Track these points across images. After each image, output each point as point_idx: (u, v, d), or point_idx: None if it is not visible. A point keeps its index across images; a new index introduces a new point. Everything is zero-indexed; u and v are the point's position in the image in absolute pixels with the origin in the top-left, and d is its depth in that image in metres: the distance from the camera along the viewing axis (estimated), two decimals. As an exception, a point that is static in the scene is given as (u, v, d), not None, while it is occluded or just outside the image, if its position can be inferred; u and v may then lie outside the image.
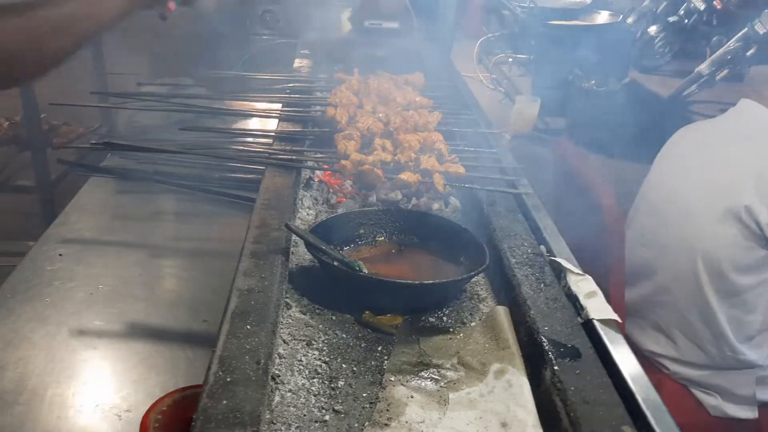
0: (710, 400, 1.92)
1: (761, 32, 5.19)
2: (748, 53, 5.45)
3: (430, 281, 1.12)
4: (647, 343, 2.01)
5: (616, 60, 5.31)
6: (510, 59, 6.39)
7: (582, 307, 1.06)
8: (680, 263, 1.90)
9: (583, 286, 1.11)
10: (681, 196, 1.94)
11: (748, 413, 1.92)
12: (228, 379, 0.83)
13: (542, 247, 1.23)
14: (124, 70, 2.24)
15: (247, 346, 0.89)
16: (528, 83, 5.91)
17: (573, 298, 1.09)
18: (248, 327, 0.93)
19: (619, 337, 1.01)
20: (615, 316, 1.04)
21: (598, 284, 1.12)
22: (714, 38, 6.51)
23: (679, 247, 1.91)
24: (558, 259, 1.18)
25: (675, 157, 2.07)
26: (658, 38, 6.84)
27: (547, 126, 5.46)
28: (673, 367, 1.95)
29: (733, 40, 5.77)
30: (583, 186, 1.92)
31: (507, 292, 1.13)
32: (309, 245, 1.15)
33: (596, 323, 1.03)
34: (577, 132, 4.94)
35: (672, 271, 1.93)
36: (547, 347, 0.95)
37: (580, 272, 1.14)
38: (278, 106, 1.82)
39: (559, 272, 1.16)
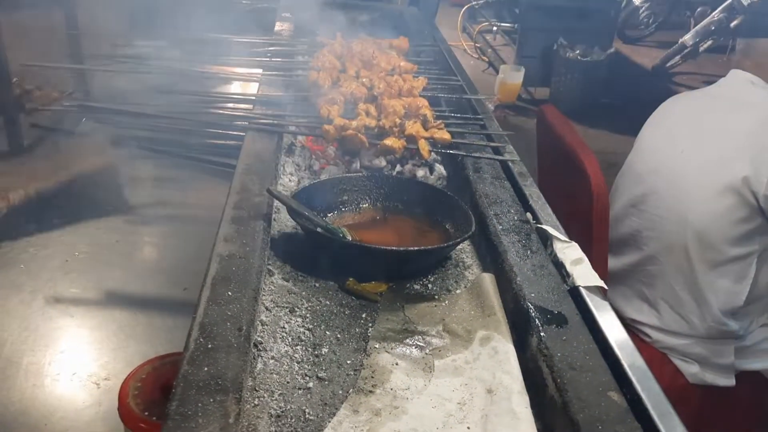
0: (689, 368, 1.94)
1: (746, 3, 5.18)
2: (732, 24, 5.46)
3: (415, 248, 1.11)
4: (630, 312, 2.03)
5: (601, 30, 5.30)
6: (494, 28, 6.36)
7: (568, 274, 1.06)
8: (670, 234, 1.90)
9: (570, 253, 1.11)
10: (671, 167, 1.93)
11: (726, 381, 1.95)
12: (209, 346, 0.81)
13: (528, 215, 1.22)
14: (98, 32, 2.17)
15: (229, 313, 0.87)
16: (512, 52, 5.89)
17: (559, 266, 1.08)
18: (229, 293, 0.91)
19: (605, 304, 1.01)
20: (601, 283, 1.03)
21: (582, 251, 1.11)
22: (698, 9, 6.52)
23: (669, 218, 1.91)
24: (544, 227, 1.17)
25: (665, 128, 2.05)
26: (643, 9, 6.84)
27: (531, 96, 5.46)
28: (655, 335, 1.97)
29: (718, 11, 5.78)
30: (568, 152, 1.90)
31: (493, 259, 1.12)
32: (291, 211, 1.13)
33: (582, 290, 1.03)
34: (560, 102, 4.94)
35: (661, 242, 1.93)
36: (533, 314, 0.94)
37: (567, 240, 1.14)
38: (258, 70, 1.77)
39: (546, 240, 1.15)
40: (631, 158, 2.11)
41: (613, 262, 2.06)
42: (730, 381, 1.96)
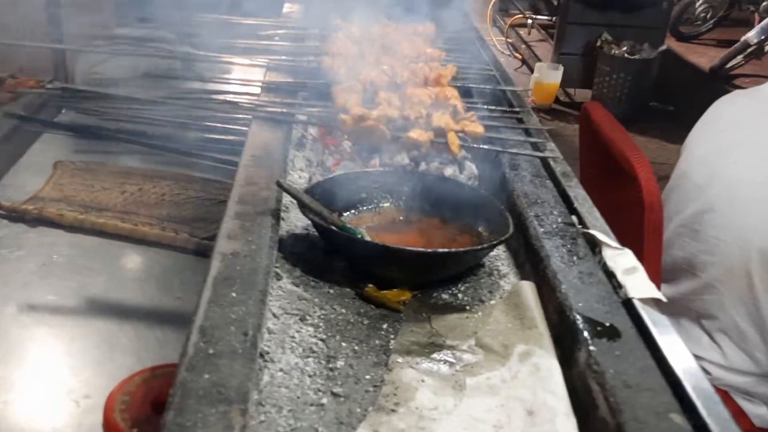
0: (756, 410, 1.92)
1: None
2: (803, 20, 5.46)
3: (444, 250, 1.11)
4: (687, 344, 2.01)
5: (652, 25, 5.32)
6: (529, 21, 6.40)
7: (620, 285, 1.06)
8: (730, 257, 1.89)
9: (622, 261, 1.10)
10: (727, 180, 1.92)
11: (798, 425, 1.93)
12: (210, 351, 0.82)
13: (573, 218, 1.22)
14: (83, 10, 2.21)
15: (233, 316, 0.88)
16: (549, 49, 5.92)
17: (610, 275, 1.08)
18: (233, 294, 0.91)
19: (663, 318, 1.00)
20: (659, 295, 1.03)
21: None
22: (763, 3, 6.54)
23: (728, 240, 1.89)
24: (592, 232, 1.17)
25: (718, 132, 2.05)
26: (700, 2, 6.87)
27: (570, 98, 5.48)
28: (716, 372, 1.95)
29: (787, 4, 5.79)
30: (616, 156, 1.91)
31: (533, 265, 1.13)
32: (303, 207, 1.14)
33: (637, 303, 1.02)
34: (604, 105, 4.95)
35: (720, 267, 1.91)
36: (581, 326, 0.94)
37: (618, 246, 1.14)
38: (265, 55, 1.80)
39: (594, 246, 1.16)
40: (680, 171, 2.10)
41: (666, 290, 2.05)
42: (803, 425, 1.94)
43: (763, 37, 5.79)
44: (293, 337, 0.98)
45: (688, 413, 0.85)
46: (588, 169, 2.34)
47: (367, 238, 1.14)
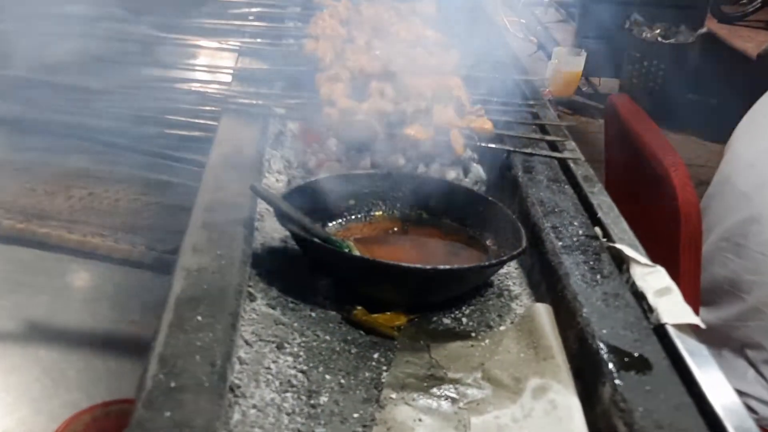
0: (809, 455, 1.94)
1: None
2: None
3: (446, 267, 1.12)
4: (729, 378, 2.02)
5: (689, 4, 5.35)
6: (546, -2, 6.43)
7: (651, 308, 1.07)
8: None
9: (653, 280, 1.12)
10: None
11: None
12: (172, 385, 0.82)
13: (597, 230, 1.23)
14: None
15: (198, 343, 0.88)
16: (570, 31, 5.95)
17: (639, 296, 1.09)
18: (199, 318, 0.92)
19: (702, 348, 1.01)
20: (697, 320, 1.04)
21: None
22: (820, -21, 6.59)
23: None
24: (618, 246, 1.18)
25: (765, 132, 2.07)
26: (745, -23, 6.91)
27: (594, 89, 5.50)
28: (763, 410, 1.96)
29: None
30: (647, 157, 1.92)
31: (550, 285, 1.14)
32: (281, 216, 1.15)
33: (670, 329, 1.03)
34: (634, 97, 4.97)
35: None
36: (605, 356, 0.95)
37: (649, 263, 1.15)
38: (237, 37, 1.81)
39: (620, 263, 1.17)
40: (722, 175, 2.11)
41: (705, 315, 2.06)
42: None
43: (819, 19, 5.83)
44: (269, 368, 0.98)
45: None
46: (614, 172, 2.35)
47: (356, 253, 1.15)
